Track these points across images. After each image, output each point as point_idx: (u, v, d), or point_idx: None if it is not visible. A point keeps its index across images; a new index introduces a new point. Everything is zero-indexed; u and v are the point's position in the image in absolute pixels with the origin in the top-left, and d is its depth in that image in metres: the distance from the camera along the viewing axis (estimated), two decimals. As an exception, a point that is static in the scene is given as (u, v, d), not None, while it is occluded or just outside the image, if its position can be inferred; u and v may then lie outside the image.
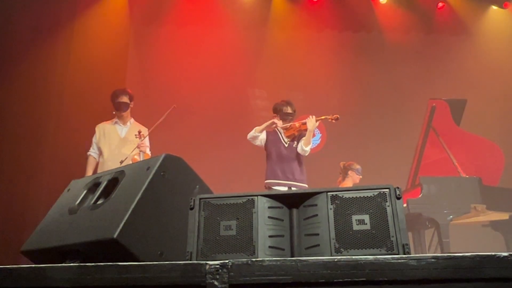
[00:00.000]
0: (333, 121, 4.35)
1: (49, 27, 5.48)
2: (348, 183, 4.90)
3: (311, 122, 4.28)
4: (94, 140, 4.39)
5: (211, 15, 6.92)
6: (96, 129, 4.42)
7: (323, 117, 4.36)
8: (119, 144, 4.33)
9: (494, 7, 7.25)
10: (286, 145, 4.39)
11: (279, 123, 4.41)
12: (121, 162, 4.01)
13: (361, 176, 5.01)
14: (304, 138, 4.33)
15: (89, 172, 4.30)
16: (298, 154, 4.36)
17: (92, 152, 4.38)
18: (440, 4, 7.21)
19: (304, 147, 4.29)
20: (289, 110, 4.46)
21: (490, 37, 7.13)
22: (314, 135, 4.43)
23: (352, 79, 7.09)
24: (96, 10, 6.14)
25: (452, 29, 7.20)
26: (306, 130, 4.32)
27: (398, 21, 7.16)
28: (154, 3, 6.78)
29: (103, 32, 6.12)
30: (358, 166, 4.99)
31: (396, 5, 7.18)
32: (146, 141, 4.33)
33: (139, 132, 4.23)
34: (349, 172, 4.93)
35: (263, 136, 4.43)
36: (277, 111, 4.48)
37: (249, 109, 7.23)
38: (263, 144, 4.44)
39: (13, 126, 5.02)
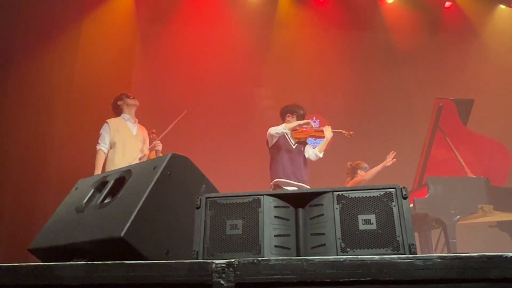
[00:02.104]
0: (348, 136, 4.52)
1: (56, 27, 5.52)
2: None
3: (329, 132, 4.41)
4: (105, 134, 4.17)
5: (217, 14, 6.93)
6: (109, 122, 4.24)
7: (339, 131, 4.52)
8: (132, 140, 4.26)
9: (502, 6, 7.21)
10: (294, 147, 4.40)
11: (313, 125, 4.49)
12: (140, 158, 4.04)
13: None
14: (320, 144, 4.47)
15: (99, 167, 4.10)
16: (304, 157, 4.42)
17: (103, 146, 4.15)
18: (447, 4, 7.18)
19: (319, 153, 4.44)
20: (303, 112, 4.53)
21: (497, 37, 7.09)
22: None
23: (358, 79, 7.08)
24: (102, 9, 6.18)
25: (459, 28, 7.16)
26: (319, 137, 4.45)
27: (405, 20, 7.13)
28: (160, 2, 6.80)
29: (110, 31, 6.15)
30: (366, 165, 4.96)
31: (402, 5, 7.16)
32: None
33: (153, 132, 4.26)
34: (358, 171, 4.90)
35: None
36: (293, 112, 4.51)
37: (254, 108, 7.23)
38: (274, 142, 4.41)
39: (20, 125, 5.06)
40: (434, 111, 4.80)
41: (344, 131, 4.53)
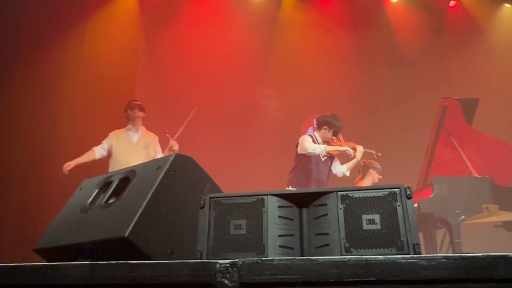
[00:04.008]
0: (376, 156, 4.58)
1: (61, 27, 5.54)
2: (367, 181, 4.79)
3: (361, 153, 4.42)
4: (106, 143, 4.40)
5: (221, 15, 6.93)
6: (110, 135, 4.45)
7: (369, 150, 4.56)
8: (132, 149, 4.41)
9: (507, 5, 7.16)
10: (323, 159, 4.39)
11: (350, 152, 4.42)
12: None
13: (381, 176, 4.90)
14: (349, 163, 4.52)
15: (80, 160, 4.24)
16: (329, 171, 4.46)
17: (97, 150, 4.36)
18: (452, 3, 7.14)
19: (346, 171, 4.54)
20: (341, 126, 4.44)
21: (502, 36, 7.04)
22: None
23: (362, 79, 7.05)
24: (107, 10, 6.20)
25: (464, 27, 7.12)
26: (349, 155, 4.40)
27: (409, 20, 7.10)
28: (165, 3, 6.81)
29: (114, 32, 6.17)
30: (378, 166, 4.90)
31: (407, 4, 7.13)
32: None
33: (166, 132, 4.37)
34: (370, 170, 4.84)
35: None
36: (331, 126, 4.39)
37: (259, 108, 7.22)
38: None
39: (25, 125, 5.09)
40: (438, 111, 4.78)
41: (373, 152, 4.56)
